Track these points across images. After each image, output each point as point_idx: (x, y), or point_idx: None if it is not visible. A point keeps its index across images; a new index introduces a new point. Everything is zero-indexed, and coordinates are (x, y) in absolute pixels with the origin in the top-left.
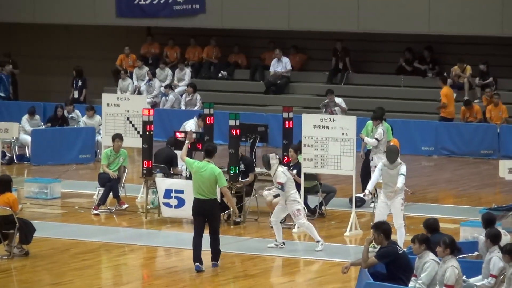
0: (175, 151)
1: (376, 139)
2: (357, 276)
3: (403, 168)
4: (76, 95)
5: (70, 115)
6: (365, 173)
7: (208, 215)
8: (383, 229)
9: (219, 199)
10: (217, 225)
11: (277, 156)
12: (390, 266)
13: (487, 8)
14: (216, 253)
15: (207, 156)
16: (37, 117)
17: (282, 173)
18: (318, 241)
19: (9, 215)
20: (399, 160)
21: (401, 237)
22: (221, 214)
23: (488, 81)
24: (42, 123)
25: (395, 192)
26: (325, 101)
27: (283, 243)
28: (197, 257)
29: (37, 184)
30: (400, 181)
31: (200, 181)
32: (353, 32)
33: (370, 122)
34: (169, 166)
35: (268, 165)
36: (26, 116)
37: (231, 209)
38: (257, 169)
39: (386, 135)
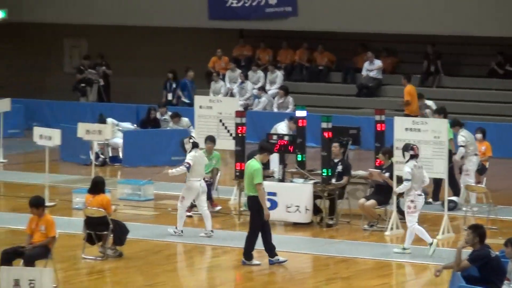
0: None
1: (461, 145)
2: (449, 280)
3: (404, 170)
4: (169, 97)
5: (163, 117)
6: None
7: (249, 210)
8: (479, 233)
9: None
10: (254, 223)
11: (191, 140)
12: (482, 269)
13: None
14: (247, 252)
15: (257, 152)
16: (109, 120)
17: (190, 156)
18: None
19: (103, 216)
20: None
21: (407, 237)
22: (314, 216)
23: None
24: (129, 123)
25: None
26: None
27: None
28: (269, 252)
29: (130, 186)
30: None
31: (245, 177)
32: (444, 35)
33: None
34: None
35: (183, 148)
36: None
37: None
38: (352, 172)
39: (471, 137)
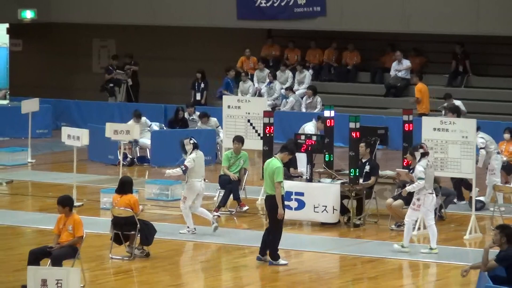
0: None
1: (481, 147)
2: (476, 280)
3: (417, 170)
4: (198, 97)
5: (191, 117)
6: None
7: (267, 210)
8: (507, 233)
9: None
10: (271, 222)
11: (192, 141)
12: (510, 270)
13: None
14: (272, 252)
15: (279, 151)
16: (143, 119)
17: (191, 159)
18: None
19: (130, 216)
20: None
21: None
22: (341, 217)
23: None
24: (157, 124)
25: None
26: (445, 104)
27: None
28: (260, 249)
29: (158, 186)
30: (409, 187)
31: (265, 176)
32: (472, 35)
33: None
34: (288, 167)
35: (183, 149)
36: (131, 121)
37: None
38: (380, 172)
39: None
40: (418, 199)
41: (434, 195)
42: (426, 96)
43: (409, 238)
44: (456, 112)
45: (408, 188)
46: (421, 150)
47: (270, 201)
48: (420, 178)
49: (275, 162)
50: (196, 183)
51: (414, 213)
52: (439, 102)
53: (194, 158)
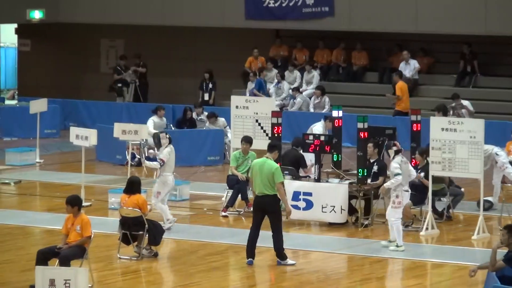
0: (303, 153)
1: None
2: (484, 280)
3: (392, 167)
4: (206, 98)
5: (199, 118)
6: None
7: (266, 211)
8: None
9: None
10: (276, 222)
11: (167, 136)
12: None
13: None
14: (279, 252)
15: (268, 151)
16: (164, 119)
17: (166, 153)
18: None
19: (138, 216)
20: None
21: (396, 234)
22: (349, 217)
23: None
24: (170, 124)
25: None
26: (452, 104)
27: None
28: (250, 252)
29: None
30: (388, 183)
31: (259, 177)
32: (480, 35)
33: None
34: (296, 167)
35: (158, 143)
36: (154, 117)
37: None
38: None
39: None
40: (397, 196)
41: (409, 193)
42: (406, 94)
43: (401, 237)
44: (442, 110)
45: (387, 184)
46: (395, 148)
47: (269, 201)
48: (397, 174)
49: (272, 163)
50: (169, 177)
51: (397, 211)
52: (447, 102)
53: (169, 152)
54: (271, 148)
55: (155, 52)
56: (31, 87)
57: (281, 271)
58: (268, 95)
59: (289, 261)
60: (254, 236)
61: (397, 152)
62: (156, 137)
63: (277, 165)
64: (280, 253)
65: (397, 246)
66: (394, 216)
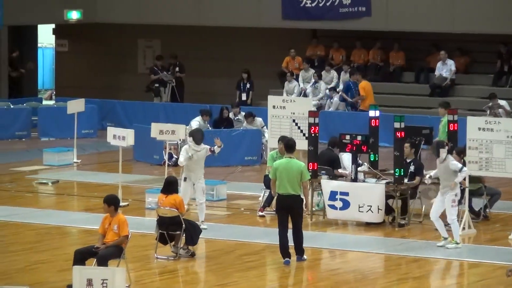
0: (340, 153)
1: None
2: None
3: (454, 164)
4: (243, 98)
5: (236, 117)
6: None
7: (290, 210)
8: None
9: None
10: (299, 220)
11: None
12: None
13: None
14: (299, 247)
15: (288, 151)
16: (207, 124)
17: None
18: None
19: (176, 216)
20: (444, 155)
21: (455, 232)
22: (386, 216)
23: None
24: (209, 126)
25: (450, 187)
26: (489, 104)
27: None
28: (285, 252)
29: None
30: (459, 177)
31: (285, 177)
32: None
33: None
34: (332, 167)
35: (202, 138)
36: (199, 118)
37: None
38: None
39: None
40: (456, 195)
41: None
42: (371, 93)
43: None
44: (447, 107)
45: (458, 178)
46: (446, 147)
47: (294, 200)
48: (461, 168)
49: (298, 162)
50: None
51: (456, 209)
52: (484, 102)
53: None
54: (291, 147)
55: (192, 52)
56: (68, 88)
57: (318, 271)
58: (314, 94)
59: (305, 256)
60: (285, 236)
61: (449, 152)
62: (200, 133)
63: (304, 164)
64: (300, 249)
65: (456, 243)
66: (454, 214)
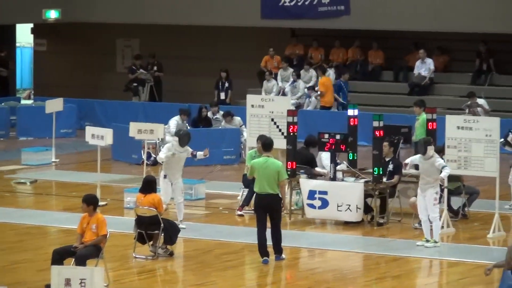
0: (319, 152)
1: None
2: (500, 278)
3: (440, 161)
4: (222, 97)
5: (215, 117)
6: None
7: (269, 209)
8: None
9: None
10: (278, 219)
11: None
12: None
13: None
14: (277, 246)
15: (266, 150)
16: (185, 123)
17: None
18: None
19: (154, 215)
20: (431, 153)
21: (436, 230)
22: (364, 215)
23: None
24: (188, 126)
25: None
26: (468, 102)
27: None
28: (263, 251)
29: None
30: (444, 173)
31: (263, 176)
32: (497, 33)
33: None
34: (310, 166)
35: (188, 141)
36: (177, 117)
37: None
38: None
39: None
40: (436, 193)
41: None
42: (330, 89)
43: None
44: (422, 106)
45: (443, 174)
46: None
47: (272, 199)
48: (444, 166)
49: (275, 161)
50: None
51: (437, 207)
52: (462, 101)
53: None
54: (268, 146)
55: (171, 51)
56: (47, 87)
57: (297, 270)
58: (293, 93)
59: (284, 255)
60: (263, 235)
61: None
62: (187, 137)
63: (281, 163)
64: (279, 248)
65: (435, 242)
66: (436, 212)
